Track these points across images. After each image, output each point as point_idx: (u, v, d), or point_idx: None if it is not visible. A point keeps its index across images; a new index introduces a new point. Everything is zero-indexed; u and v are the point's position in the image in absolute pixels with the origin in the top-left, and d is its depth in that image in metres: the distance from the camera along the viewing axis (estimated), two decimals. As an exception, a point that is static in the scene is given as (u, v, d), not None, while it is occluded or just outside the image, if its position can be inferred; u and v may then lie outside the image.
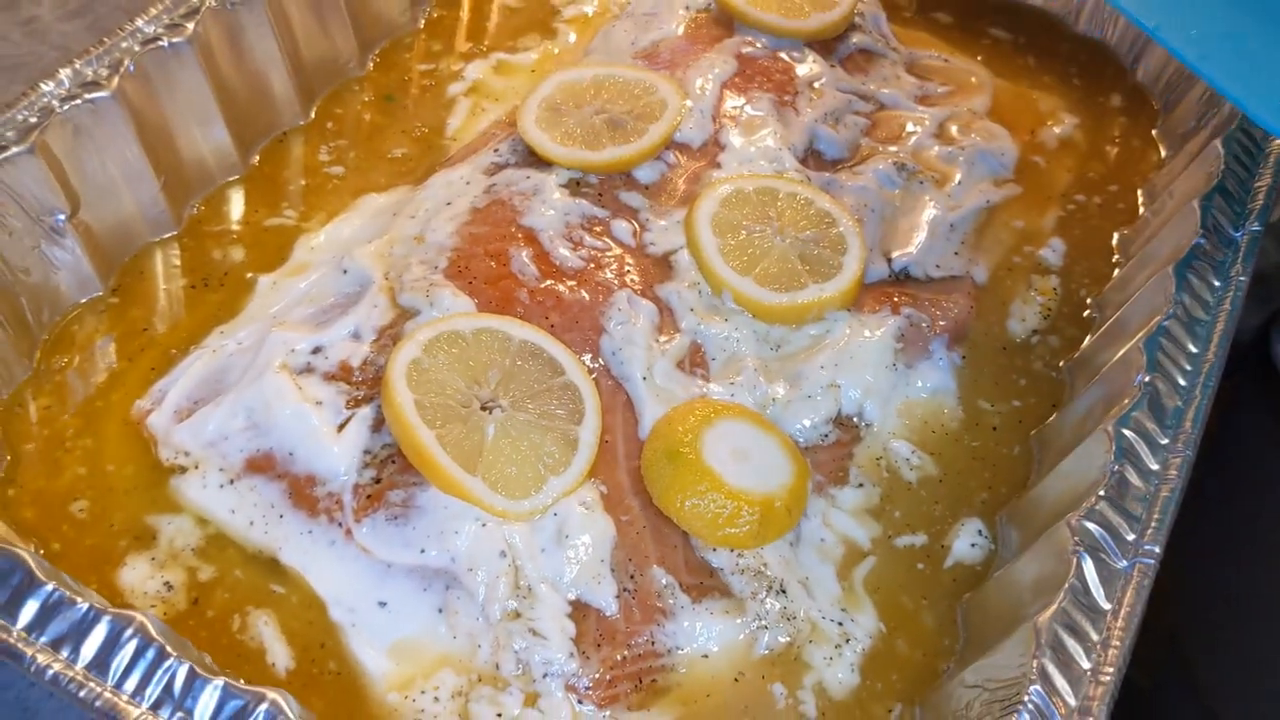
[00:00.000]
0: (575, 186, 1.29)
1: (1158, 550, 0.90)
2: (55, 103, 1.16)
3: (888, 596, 1.07)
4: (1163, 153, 1.48)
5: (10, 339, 1.14)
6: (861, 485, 1.15)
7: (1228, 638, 1.26)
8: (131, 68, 1.21)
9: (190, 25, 1.25)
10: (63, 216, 1.17)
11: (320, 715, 0.95)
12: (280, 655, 0.99)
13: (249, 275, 1.26)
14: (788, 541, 1.08)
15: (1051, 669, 0.84)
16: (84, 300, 1.21)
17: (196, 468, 1.08)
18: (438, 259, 1.19)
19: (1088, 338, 1.25)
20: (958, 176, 1.43)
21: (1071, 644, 0.85)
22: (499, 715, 0.96)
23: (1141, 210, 1.40)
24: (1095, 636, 0.86)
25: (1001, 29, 1.66)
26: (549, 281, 1.19)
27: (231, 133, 1.34)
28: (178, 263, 1.26)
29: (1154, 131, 1.52)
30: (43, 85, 1.16)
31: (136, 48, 1.22)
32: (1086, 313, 1.30)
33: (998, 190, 1.44)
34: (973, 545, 1.10)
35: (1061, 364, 1.25)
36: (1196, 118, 1.43)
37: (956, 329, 1.28)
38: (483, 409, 1.06)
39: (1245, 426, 1.42)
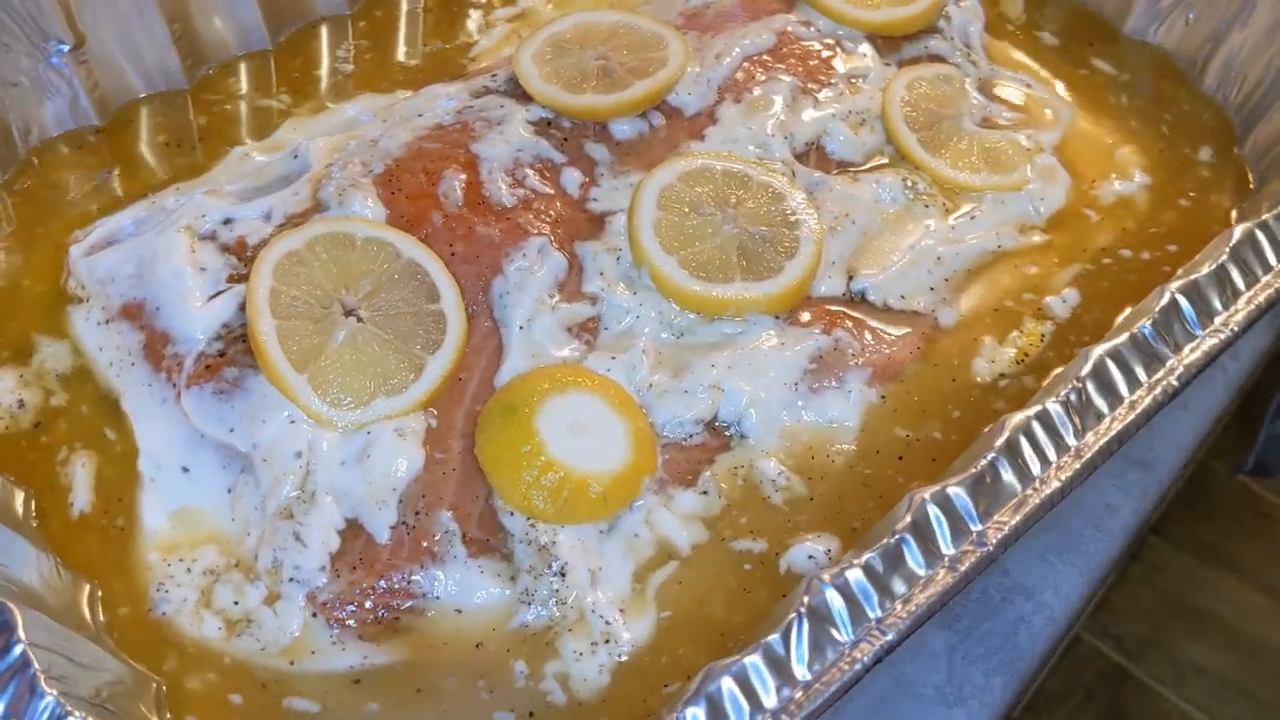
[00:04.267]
0: (544, 126, 1.25)
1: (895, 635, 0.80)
2: (76, -55, 1.24)
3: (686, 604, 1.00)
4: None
5: (-13, 147, 1.23)
6: (706, 493, 1.07)
7: None
8: (164, -76, 1.27)
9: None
10: (65, 47, 1.24)
11: (85, 558, 1.00)
12: (81, 498, 1.04)
13: (224, 146, 1.31)
14: (598, 529, 1.03)
15: None
16: (66, 131, 1.29)
17: (87, 301, 1.15)
18: (376, 164, 1.19)
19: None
20: (973, 210, 1.29)
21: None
22: (236, 603, 0.98)
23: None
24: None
25: (1106, 61, 1.48)
26: (468, 210, 1.17)
27: (263, 12, 1.38)
28: (163, 120, 1.32)
29: (1233, 213, 1.31)
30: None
31: (177, -91, 1.29)
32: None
33: (1018, 236, 1.29)
34: (810, 557, 1.01)
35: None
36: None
37: (887, 367, 1.16)
38: (345, 315, 1.06)
39: None
